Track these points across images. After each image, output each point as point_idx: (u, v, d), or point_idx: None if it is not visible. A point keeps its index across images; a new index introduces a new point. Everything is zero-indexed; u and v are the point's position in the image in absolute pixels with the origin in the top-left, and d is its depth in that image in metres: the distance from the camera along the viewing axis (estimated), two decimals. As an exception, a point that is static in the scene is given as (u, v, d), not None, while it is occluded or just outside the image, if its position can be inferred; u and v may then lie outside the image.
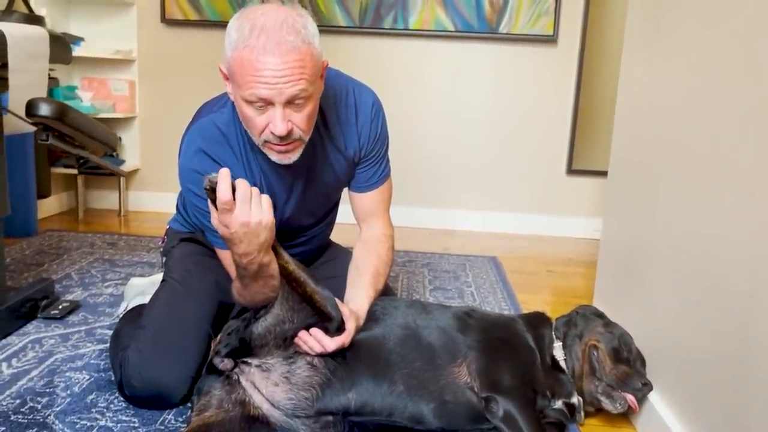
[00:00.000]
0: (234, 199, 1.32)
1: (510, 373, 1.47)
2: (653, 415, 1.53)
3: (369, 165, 1.74)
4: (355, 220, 1.82)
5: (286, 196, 1.66)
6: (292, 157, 1.48)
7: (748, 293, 1.17)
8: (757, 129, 1.17)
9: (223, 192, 1.31)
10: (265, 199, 1.38)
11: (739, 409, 1.18)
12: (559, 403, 1.54)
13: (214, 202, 1.33)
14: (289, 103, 1.37)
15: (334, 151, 1.65)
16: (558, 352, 1.61)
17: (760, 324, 1.12)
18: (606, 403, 1.55)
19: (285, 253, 1.47)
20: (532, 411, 1.43)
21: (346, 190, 1.83)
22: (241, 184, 1.34)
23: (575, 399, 1.57)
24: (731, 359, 1.22)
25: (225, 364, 1.48)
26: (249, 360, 1.48)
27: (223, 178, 1.31)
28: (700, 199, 1.40)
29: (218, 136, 1.55)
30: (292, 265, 1.46)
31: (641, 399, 1.56)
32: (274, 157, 1.47)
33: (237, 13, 1.41)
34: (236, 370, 1.49)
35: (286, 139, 1.41)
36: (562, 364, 1.60)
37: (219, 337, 1.54)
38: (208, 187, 1.32)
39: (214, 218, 1.37)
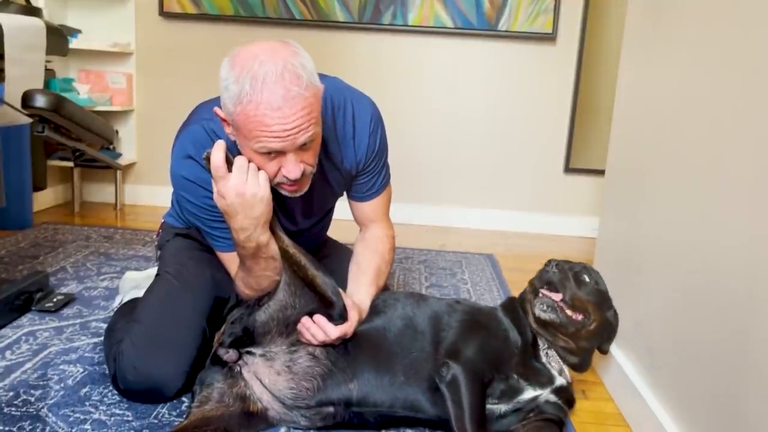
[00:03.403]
0: (230, 170, 1.37)
1: (473, 349, 1.48)
2: (648, 415, 1.53)
3: (367, 177, 1.74)
4: (354, 220, 1.82)
5: (282, 206, 1.66)
6: (305, 189, 1.50)
7: (745, 293, 1.17)
8: (756, 128, 1.17)
9: (216, 159, 1.36)
10: (262, 174, 1.40)
11: (736, 409, 1.18)
12: (552, 397, 1.53)
13: (211, 172, 1.39)
14: (300, 147, 1.39)
15: (330, 167, 1.65)
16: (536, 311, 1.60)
17: (757, 324, 1.12)
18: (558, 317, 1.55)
19: (284, 236, 1.50)
20: (479, 386, 1.42)
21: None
22: (240, 157, 1.40)
23: (560, 380, 1.56)
24: (728, 359, 1.22)
25: (230, 355, 1.50)
26: (253, 350, 1.50)
27: (217, 147, 1.38)
28: (698, 198, 1.40)
29: (209, 144, 1.51)
30: (293, 249, 1.49)
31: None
32: (286, 192, 1.49)
33: (229, 58, 1.37)
34: (240, 361, 1.49)
35: (298, 179, 1.43)
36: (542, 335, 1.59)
37: (223, 327, 1.55)
38: (206, 157, 1.39)
39: (214, 193, 1.41)
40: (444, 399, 1.43)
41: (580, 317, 1.56)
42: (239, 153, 1.46)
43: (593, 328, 1.57)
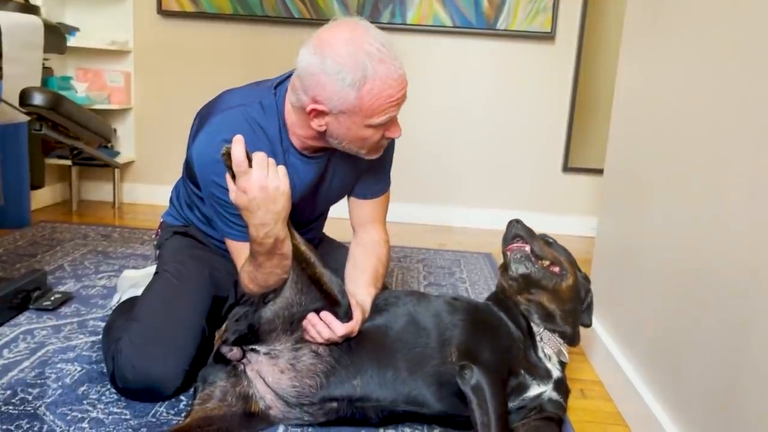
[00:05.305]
0: (250, 166, 1.37)
1: (488, 350, 1.48)
2: (647, 414, 1.53)
3: (376, 172, 1.76)
4: (350, 222, 1.83)
5: (305, 194, 1.67)
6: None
7: (744, 292, 1.17)
8: (755, 127, 1.17)
9: (238, 153, 1.36)
10: (281, 168, 1.42)
11: (735, 409, 1.18)
12: (554, 394, 1.53)
13: (230, 168, 1.38)
14: None
15: (352, 156, 1.64)
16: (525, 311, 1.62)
17: (756, 323, 1.12)
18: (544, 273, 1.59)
19: (296, 234, 1.50)
20: (501, 388, 1.43)
21: None
22: (259, 152, 1.40)
23: (556, 372, 1.56)
24: (726, 358, 1.22)
25: (234, 353, 1.49)
26: (258, 348, 1.49)
27: (237, 142, 1.37)
28: (697, 197, 1.40)
29: (248, 129, 1.52)
30: (303, 246, 1.50)
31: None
32: (374, 155, 1.57)
33: (319, 51, 1.39)
34: (243, 360, 1.49)
35: None
36: (534, 319, 1.59)
37: (225, 324, 1.54)
38: (224, 153, 1.38)
39: (233, 191, 1.40)
40: (449, 395, 1.45)
41: (556, 269, 1.59)
42: (279, 140, 1.50)
43: (572, 283, 1.60)
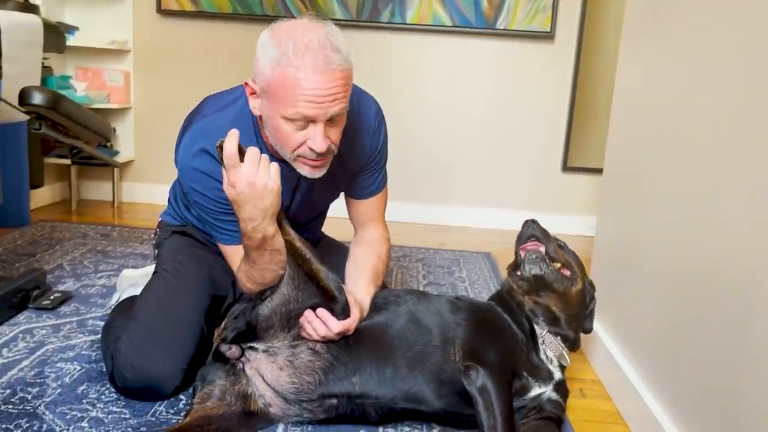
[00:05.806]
0: (242, 161, 1.37)
1: (493, 351, 1.48)
2: (646, 413, 1.53)
3: (369, 174, 1.75)
4: (350, 221, 1.83)
5: (288, 200, 1.67)
6: (323, 171, 1.50)
7: (744, 292, 1.17)
8: (755, 127, 1.17)
9: (229, 147, 1.36)
10: (273, 166, 1.40)
11: (734, 408, 1.18)
12: (554, 395, 1.53)
13: (222, 161, 1.39)
14: (329, 120, 1.40)
15: (335, 162, 1.64)
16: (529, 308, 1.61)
17: (755, 322, 1.12)
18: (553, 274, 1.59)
19: (291, 230, 1.50)
20: (507, 390, 1.43)
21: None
22: (252, 148, 1.39)
23: (558, 374, 1.56)
24: (726, 357, 1.22)
25: (233, 351, 1.49)
26: (256, 345, 1.50)
27: (231, 136, 1.37)
28: (696, 197, 1.40)
29: (225, 135, 1.52)
30: (298, 242, 1.49)
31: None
32: (306, 171, 1.49)
33: (268, 29, 1.42)
34: (242, 358, 1.49)
35: (322, 154, 1.44)
36: (539, 321, 1.59)
37: (224, 322, 1.54)
38: (219, 145, 1.39)
39: (225, 183, 1.40)
40: (449, 393, 1.45)
41: (567, 273, 1.60)
42: (251, 145, 1.46)
43: (580, 287, 1.61)
